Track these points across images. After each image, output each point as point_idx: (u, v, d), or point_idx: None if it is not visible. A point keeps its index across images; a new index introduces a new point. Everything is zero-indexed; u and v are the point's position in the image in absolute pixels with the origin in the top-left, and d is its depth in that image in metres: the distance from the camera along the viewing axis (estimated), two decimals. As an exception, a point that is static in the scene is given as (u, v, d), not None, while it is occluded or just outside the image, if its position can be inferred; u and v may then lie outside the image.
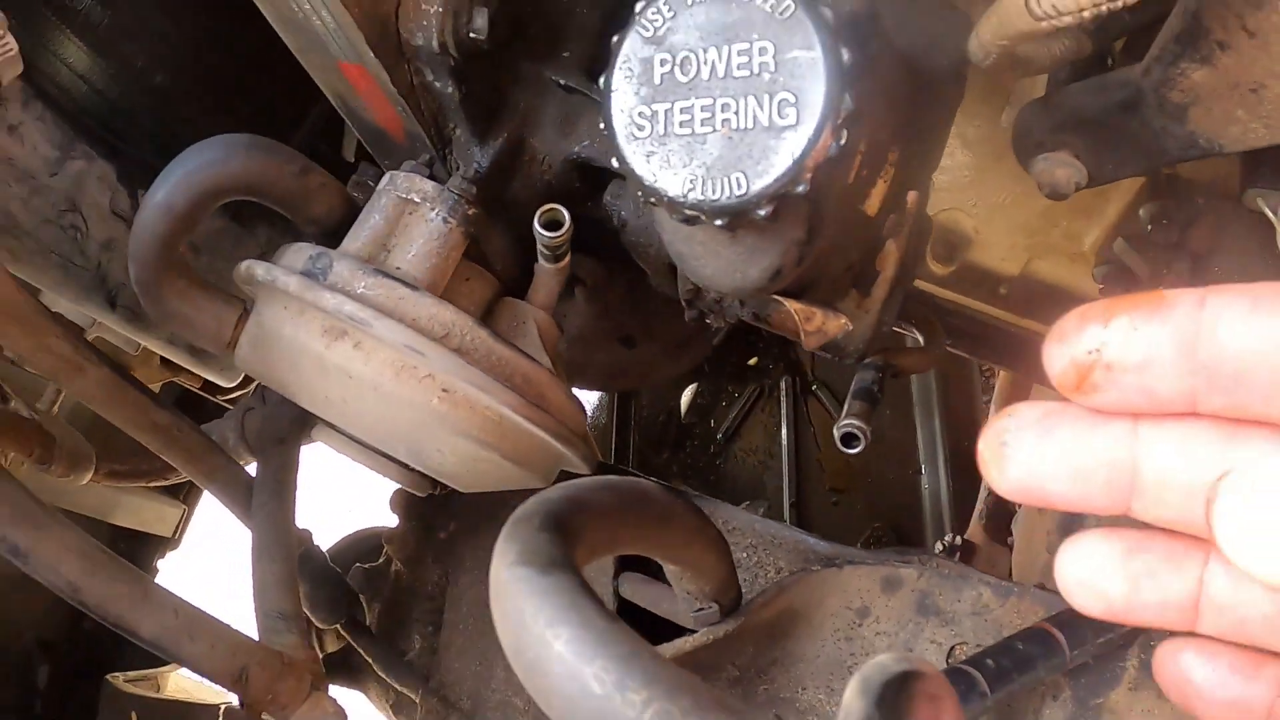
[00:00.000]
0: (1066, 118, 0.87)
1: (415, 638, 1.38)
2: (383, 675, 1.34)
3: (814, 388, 2.48)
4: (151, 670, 1.85)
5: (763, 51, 0.55)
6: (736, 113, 0.55)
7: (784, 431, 2.46)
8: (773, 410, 2.54)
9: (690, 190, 0.56)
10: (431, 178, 0.91)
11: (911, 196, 0.82)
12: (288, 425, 1.17)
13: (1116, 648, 0.83)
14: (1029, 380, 1.67)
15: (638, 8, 0.58)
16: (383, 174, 0.93)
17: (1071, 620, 0.80)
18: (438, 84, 0.90)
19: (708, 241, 0.64)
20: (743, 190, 0.55)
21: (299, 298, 0.78)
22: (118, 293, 1.29)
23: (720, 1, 0.55)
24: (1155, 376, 0.42)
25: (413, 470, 0.92)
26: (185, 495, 2.00)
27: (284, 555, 1.09)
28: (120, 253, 1.25)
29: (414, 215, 0.87)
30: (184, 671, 1.80)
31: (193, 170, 0.84)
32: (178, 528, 1.97)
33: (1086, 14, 0.60)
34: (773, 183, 0.55)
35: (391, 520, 1.39)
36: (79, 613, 0.94)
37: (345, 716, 0.99)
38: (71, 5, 1.17)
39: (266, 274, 0.81)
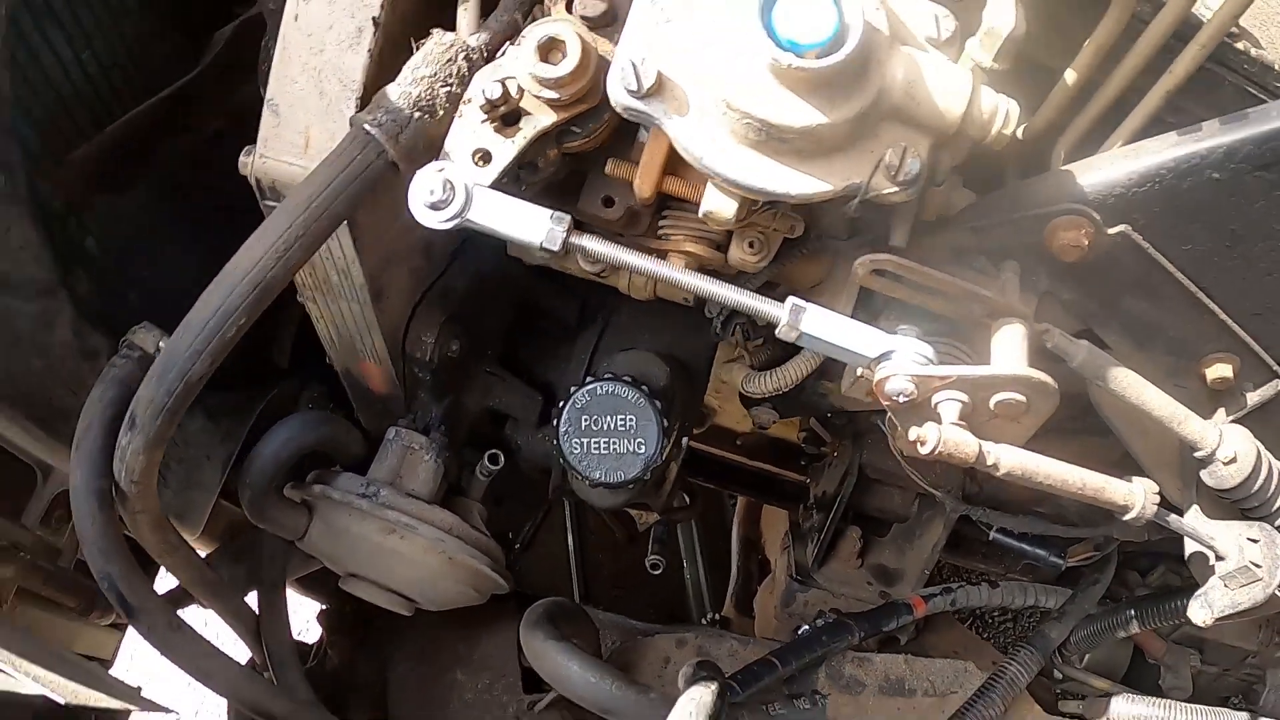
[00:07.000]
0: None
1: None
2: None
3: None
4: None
5: (627, 420, 1.29)
6: (617, 445, 1.29)
7: (570, 539, 3.11)
8: (560, 522, 3.17)
9: (599, 476, 1.30)
10: (414, 427, 1.58)
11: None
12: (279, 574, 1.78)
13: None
14: (760, 502, 2.49)
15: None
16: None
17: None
18: (420, 374, 1.57)
19: (593, 490, 1.37)
20: (622, 479, 1.29)
21: (368, 512, 1.44)
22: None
23: (611, 400, 1.28)
24: None
25: (410, 600, 1.57)
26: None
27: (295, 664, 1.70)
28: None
29: (414, 456, 1.54)
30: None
31: (294, 435, 1.47)
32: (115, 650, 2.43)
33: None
34: (634, 476, 1.29)
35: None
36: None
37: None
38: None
39: (343, 497, 1.45)
